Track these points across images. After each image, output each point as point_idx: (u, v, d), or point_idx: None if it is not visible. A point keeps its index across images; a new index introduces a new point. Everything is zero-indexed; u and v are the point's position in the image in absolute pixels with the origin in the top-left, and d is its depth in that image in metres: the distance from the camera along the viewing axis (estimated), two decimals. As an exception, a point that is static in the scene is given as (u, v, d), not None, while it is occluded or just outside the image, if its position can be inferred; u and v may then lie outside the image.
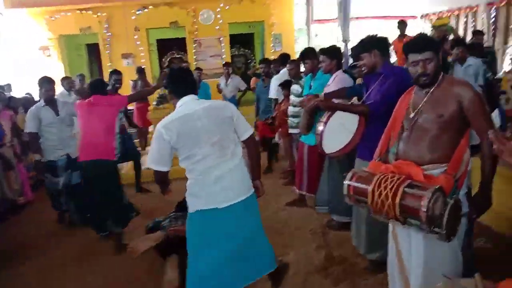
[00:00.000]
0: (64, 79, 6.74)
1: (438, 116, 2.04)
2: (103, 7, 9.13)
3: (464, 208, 2.02)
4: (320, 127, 2.96)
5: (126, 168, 5.96)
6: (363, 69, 2.94)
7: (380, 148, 2.33)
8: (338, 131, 2.99)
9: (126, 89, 8.18)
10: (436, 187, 1.81)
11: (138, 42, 9.51)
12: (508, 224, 3.30)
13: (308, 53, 4.25)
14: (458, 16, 8.60)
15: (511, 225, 3.25)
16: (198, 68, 7.82)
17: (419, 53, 2.06)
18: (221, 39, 9.78)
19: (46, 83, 4.29)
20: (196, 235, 2.43)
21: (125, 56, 9.49)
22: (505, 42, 7.01)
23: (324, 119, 2.98)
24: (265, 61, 6.51)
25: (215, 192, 2.35)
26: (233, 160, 2.42)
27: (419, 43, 2.14)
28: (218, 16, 9.62)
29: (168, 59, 10.93)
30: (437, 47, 2.12)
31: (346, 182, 2.13)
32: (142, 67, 8.07)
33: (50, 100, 4.26)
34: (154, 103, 6.77)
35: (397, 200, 1.83)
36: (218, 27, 9.69)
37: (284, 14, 9.95)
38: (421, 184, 1.89)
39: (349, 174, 2.15)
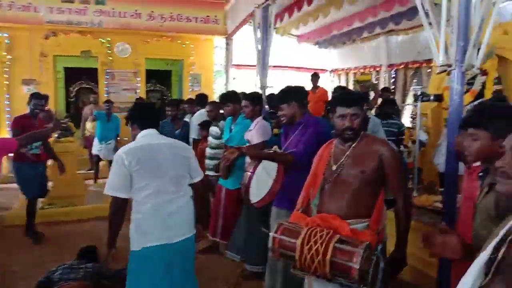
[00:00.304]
0: None
1: (361, 171, 2.09)
2: (6, 27, 8.29)
3: (382, 262, 2.03)
4: (247, 177, 2.93)
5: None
6: (282, 119, 2.98)
7: (301, 199, 2.31)
8: (263, 181, 2.96)
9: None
10: (367, 243, 1.79)
11: (43, 69, 8.71)
12: (422, 278, 3.42)
13: (230, 97, 4.22)
14: (363, 74, 9.44)
15: (425, 279, 3.36)
16: (108, 101, 7.42)
17: (348, 107, 2.10)
18: (136, 73, 9.43)
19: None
20: (141, 273, 2.38)
21: (27, 82, 8.61)
22: (403, 101, 7.79)
23: (251, 169, 2.94)
24: (172, 103, 6.39)
25: (168, 227, 2.38)
26: (185, 198, 2.51)
27: (350, 97, 2.20)
28: (135, 50, 9.31)
29: (76, 89, 10.23)
30: (363, 104, 2.21)
31: (271, 234, 2.02)
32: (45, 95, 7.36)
33: None
34: (56, 135, 6.19)
35: (328, 256, 1.77)
36: (134, 60, 9.35)
37: (204, 55, 9.99)
38: (350, 240, 1.85)
39: (276, 226, 2.05)
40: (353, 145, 2.16)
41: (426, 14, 2.90)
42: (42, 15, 8.16)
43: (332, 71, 10.94)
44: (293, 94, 2.97)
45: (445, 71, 2.87)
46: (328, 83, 10.89)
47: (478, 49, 2.70)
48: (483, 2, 2.63)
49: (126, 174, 2.31)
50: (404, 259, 2.10)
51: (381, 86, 8.29)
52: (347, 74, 10.22)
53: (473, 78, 4.19)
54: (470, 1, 2.64)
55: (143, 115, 2.61)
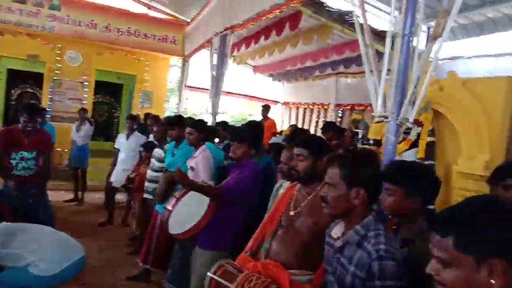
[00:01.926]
0: None
1: (314, 222, 2.00)
2: None
3: None
4: (171, 202, 2.90)
5: None
6: (231, 155, 2.99)
7: (252, 241, 2.24)
8: (189, 212, 2.89)
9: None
10: None
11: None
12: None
13: (176, 121, 4.18)
14: (312, 110, 9.78)
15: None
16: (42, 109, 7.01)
17: (296, 147, 2.12)
18: (85, 83, 9.10)
19: None
20: None
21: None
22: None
23: (178, 195, 2.91)
24: (132, 117, 6.25)
25: None
26: None
27: (302, 140, 2.19)
28: (87, 59, 9.01)
29: (18, 92, 9.66)
30: (316, 151, 2.12)
31: (209, 274, 1.98)
32: None
33: None
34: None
35: None
36: (84, 70, 9.03)
37: (158, 72, 9.87)
38: None
39: (215, 266, 2.01)
40: (312, 194, 2.07)
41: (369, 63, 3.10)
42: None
43: (284, 103, 11.24)
44: (247, 134, 3.00)
45: (382, 121, 3.05)
46: (279, 115, 11.17)
47: (414, 103, 2.90)
48: (421, 60, 2.85)
49: None
50: None
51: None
52: (297, 108, 10.53)
53: (410, 128, 4.47)
54: (409, 58, 2.84)
55: None
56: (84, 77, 9.03)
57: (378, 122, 3.12)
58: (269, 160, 3.53)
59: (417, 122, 4.47)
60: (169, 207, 2.94)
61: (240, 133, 3.02)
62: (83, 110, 7.34)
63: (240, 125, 3.70)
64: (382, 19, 5.65)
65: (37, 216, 3.63)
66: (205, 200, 2.88)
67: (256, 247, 2.20)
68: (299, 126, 9.86)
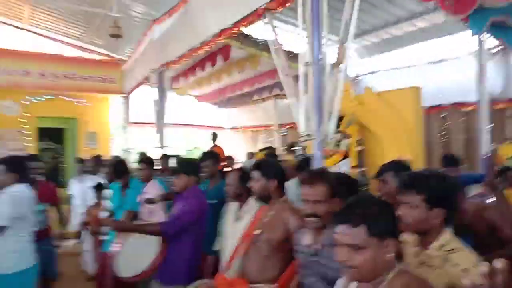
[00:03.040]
0: None
1: (267, 238, 2.20)
2: None
3: None
4: (115, 248, 2.90)
5: None
6: (173, 187, 3.08)
7: (228, 261, 2.39)
8: (137, 252, 2.87)
9: None
10: None
11: None
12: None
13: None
14: (257, 132, 10.15)
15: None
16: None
17: (252, 169, 2.40)
18: (23, 132, 8.87)
19: None
20: None
21: None
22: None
23: (118, 239, 2.93)
24: (80, 161, 6.22)
25: None
26: None
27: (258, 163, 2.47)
28: (25, 108, 8.84)
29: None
30: (268, 172, 2.39)
31: None
32: None
33: None
34: None
35: None
36: (24, 119, 8.83)
37: (99, 113, 9.84)
38: None
39: (193, 284, 2.23)
40: (269, 211, 2.29)
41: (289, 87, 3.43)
42: None
43: (231, 128, 11.53)
44: (185, 166, 3.09)
45: (308, 139, 3.36)
46: (229, 140, 11.40)
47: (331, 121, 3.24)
48: (332, 81, 3.20)
49: None
50: None
51: (276, 144, 8.99)
52: (244, 131, 10.87)
53: (340, 141, 4.88)
54: (321, 81, 3.17)
55: None
56: (24, 125, 8.82)
57: (304, 141, 3.41)
58: None
59: (346, 135, 4.91)
60: (113, 253, 2.94)
61: (175, 168, 3.16)
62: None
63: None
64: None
65: None
66: (152, 239, 2.88)
67: (230, 266, 2.38)
68: (249, 148, 10.17)
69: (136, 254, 2.86)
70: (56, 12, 7.97)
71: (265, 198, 2.39)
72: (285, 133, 9.34)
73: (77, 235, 5.86)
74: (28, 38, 9.19)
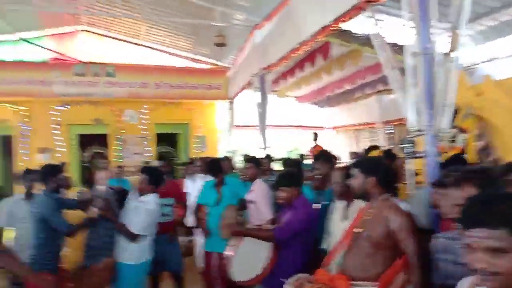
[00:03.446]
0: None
1: (368, 235, 2.18)
2: (23, 101, 8.93)
3: None
4: (229, 252, 3.03)
5: None
6: (280, 201, 3.08)
7: (327, 257, 2.43)
8: (249, 257, 2.99)
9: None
10: None
11: (57, 138, 9.24)
12: None
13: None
14: (361, 130, 9.82)
15: None
16: (119, 166, 7.75)
17: (352, 167, 2.41)
18: (145, 137, 9.93)
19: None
20: None
21: (42, 150, 9.09)
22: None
23: (233, 242, 3.07)
24: (192, 161, 6.70)
25: None
26: None
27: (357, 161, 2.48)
28: (143, 116, 9.88)
29: (89, 154, 10.67)
30: (367, 169, 2.33)
31: (286, 286, 2.25)
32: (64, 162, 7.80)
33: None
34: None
35: None
36: (143, 126, 9.89)
37: (207, 117, 10.54)
38: None
39: (293, 278, 2.26)
40: (370, 209, 2.28)
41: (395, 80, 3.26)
42: (55, 89, 8.79)
43: (332, 128, 11.36)
44: (292, 178, 3.11)
45: (418, 135, 3.16)
46: (331, 140, 11.25)
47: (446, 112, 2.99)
48: (444, 71, 2.96)
49: None
50: None
51: (380, 142, 8.62)
52: (346, 131, 10.61)
53: (455, 136, 4.47)
54: (431, 72, 2.96)
55: None
56: (143, 132, 9.88)
57: (414, 137, 3.21)
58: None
59: (462, 129, 4.48)
60: (228, 257, 3.07)
61: (284, 179, 3.11)
62: (147, 163, 7.94)
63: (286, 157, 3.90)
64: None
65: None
66: (265, 245, 2.98)
67: (330, 262, 2.40)
68: (352, 148, 9.91)
69: (249, 258, 2.98)
70: (167, 27, 8.74)
71: (364, 196, 2.36)
72: (391, 131, 8.89)
73: (190, 232, 6.32)
74: (145, 53, 10.24)
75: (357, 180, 2.35)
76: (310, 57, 5.78)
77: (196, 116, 10.34)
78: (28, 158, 8.91)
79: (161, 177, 3.76)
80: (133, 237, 3.42)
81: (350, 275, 2.15)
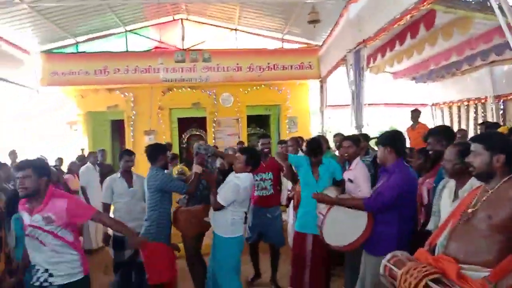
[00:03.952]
0: (90, 154, 7.08)
1: (488, 216, 1.97)
2: (131, 87, 9.81)
3: None
4: (320, 217, 3.17)
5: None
6: (378, 160, 3.15)
7: (432, 238, 2.29)
8: (341, 223, 3.14)
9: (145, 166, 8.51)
10: None
11: (160, 121, 10.03)
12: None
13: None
14: (467, 106, 8.95)
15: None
16: (215, 146, 8.13)
17: (473, 142, 2.13)
18: (238, 119, 10.29)
19: (126, 154, 4.50)
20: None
21: (148, 132, 9.96)
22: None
23: (324, 211, 3.18)
24: (282, 142, 6.78)
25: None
26: None
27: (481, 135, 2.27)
28: (237, 99, 10.23)
29: (187, 136, 11.41)
30: (494, 145, 2.06)
31: (384, 262, 2.16)
32: (169, 143, 8.52)
33: (126, 172, 4.41)
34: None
35: None
36: (236, 108, 10.26)
37: (299, 99, 10.54)
38: (449, 283, 1.81)
39: (390, 255, 2.18)
40: (493, 189, 2.04)
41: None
42: (161, 75, 9.50)
43: (433, 105, 10.54)
44: (391, 139, 3.09)
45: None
46: (429, 118, 10.49)
47: None
48: None
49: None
50: None
51: (489, 119, 7.81)
52: (450, 107, 9.77)
53: None
54: None
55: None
56: (237, 114, 10.26)
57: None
58: None
59: None
60: (319, 223, 3.23)
61: (383, 138, 3.13)
62: (240, 143, 8.24)
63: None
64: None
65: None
66: (360, 212, 3.09)
67: (434, 243, 2.22)
68: (455, 126, 9.12)
69: (344, 224, 3.12)
70: (259, 8, 8.82)
71: (487, 176, 2.07)
72: (503, 106, 7.97)
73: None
74: (238, 37, 10.51)
75: (481, 157, 2.06)
76: (412, 28, 5.37)
77: (288, 97, 10.38)
78: (133, 140, 9.84)
79: (258, 158, 3.92)
80: (216, 205, 3.67)
81: (456, 258, 1.96)
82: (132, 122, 10.01)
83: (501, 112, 7.80)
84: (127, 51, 10.04)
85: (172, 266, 3.92)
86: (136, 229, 4.17)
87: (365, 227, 3.09)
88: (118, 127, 10.81)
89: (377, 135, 3.32)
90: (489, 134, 2.49)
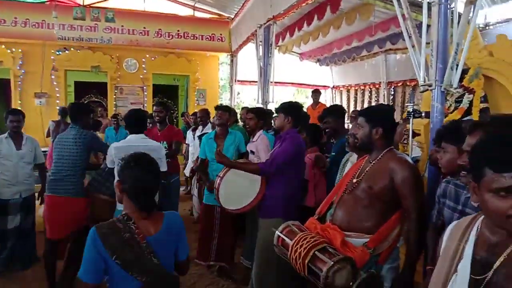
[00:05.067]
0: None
1: (368, 187, 2.11)
2: (19, 43, 8.67)
3: (388, 283, 2.09)
4: (217, 181, 3.26)
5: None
6: (275, 126, 3.34)
7: (321, 207, 2.39)
8: (238, 188, 3.24)
9: (35, 130, 7.72)
10: (342, 257, 1.85)
11: (54, 83, 9.08)
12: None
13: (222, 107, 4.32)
14: (363, 90, 9.68)
15: None
16: (114, 115, 7.65)
17: (359, 115, 2.31)
18: (144, 88, 9.78)
19: (11, 114, 4.14)
20: None
21: (39, 95, 8.96)
22: (402, 117, 7.98)
23: (221, 173, 3.26)
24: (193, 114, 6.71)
25: None
26: None
27: (365, 110, 2.41)
28: (143, 65, 9.67)
29: (86, 102, 10.57)
30: (373, 119, 2.23)
31: (277, 232, 2.19)
32: (66, 108, 7.76)
33: (14, 133, 4.10)
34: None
35: (306, 261, 1.90)
36: (142, 76, 9.70)
37: (209, 71, 10.32)
38: (333, 251, 1.92)
39: (283, 226, 2.21)
40: (374, 161, 2.20)
41: (410, 37, 3.16)
42: (55, 31, 8.52)
43: (333, 87, 11.20)
44: (291, 108, 3.24)
45: (426, 90, 3.11)
46: (330, 99, 11.16)
47: (457, 69, 2.93)
48: (459, 28, 2.87)
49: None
50: (409, 283, 2.03)
51: (380, 103, 8.54)
52: (348, 90, 10.47)
53: (461, 96, 4.40)
54: (447, 27, 2.88)
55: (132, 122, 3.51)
56: (142, 82, 9.71)
57: (423, 91, 3.17)
58: None
59: (469, 90, 4.40)
60: (216, 186, 3.30)
61: (284, 106, 3.26)
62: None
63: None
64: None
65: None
66: (255, 176, 3.21)
67: (323, 213, 2.36)
68: (351, 107, 9.83)
69: (237, 188, 3.24)
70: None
71: (368, 147, 2.26)
72: (393, 92, 8.77)
73: (187, 182, 6.39)
74: (147, -1, 9.86)
75: (363, 129, 2.24)
76: (319, 9, 5.56)
77: (197, 68, 10.13)
78: (20, 102, 8.80)
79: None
80: None
81: (341, 227, 2.10)
82: (20, 82, 8.89)
83: (391, 97, 8.58)
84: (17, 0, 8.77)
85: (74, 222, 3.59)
86: (22, 194, 4.10)
87: (258, 191, 3.23)
88: (3, 87, 9.56)
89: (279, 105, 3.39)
90: (372, 109, 2.73)
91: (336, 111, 3.61)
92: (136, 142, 3.41)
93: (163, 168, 3.30)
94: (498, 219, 1.08)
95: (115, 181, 1.86)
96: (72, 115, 3.78)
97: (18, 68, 8.79)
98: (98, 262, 1.60)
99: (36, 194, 4.36)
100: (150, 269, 1.64)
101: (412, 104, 4.57)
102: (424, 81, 3.00)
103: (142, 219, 1.71)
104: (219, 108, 4.18)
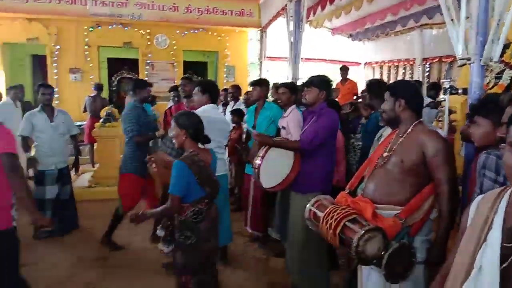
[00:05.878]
0: (11, 88, 6.45)
1: (401, 160, 2.11)
2: (54, 19, 8.87)
3: (421, 254, 2.07)
4: (257, 161, 3.17)
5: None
6: (304, 100, 3.23)
7: (352, 181, 2.41)
8: (275, 166, 3.18)
9: (71, 105, 8.00)
10: (372, 227, 1.86)
11: (88, 59, 9.29)
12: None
13: (258, 81, 4.39)
14: (397, 67, 9.38)
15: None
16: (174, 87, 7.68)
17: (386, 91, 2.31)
18: (174, 64, 9.86)
19: (43, 87, 4.30)
20: None
21: (73, 71, 9.21)
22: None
23: (261, 153, 3.18)
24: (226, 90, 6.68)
25: None
26: None
27: (389, 84, 2.39)
28: (173, 42, 9.72)
29: (118, 78, 10.77)
30: (395, 92, 2.25)
31: (308, 206, 2.22)
32: (101, 84, 8.01)
33: (46, 106, 4.27)
34: (102, 120, 6.61)
35: (337, 231, 1.91)
36: (172, 52, 9.77)
37: (238, 47, 10.27)
38: (364, 221, 1.93)
39: (313, 200, 2.24)
40: (404, 135, 2.20)
41: (448, 10, 3.02)
42: (88, 7, 8.65)
43: (366, 63, 10.91)
44: (323, 83, 3.19)
45: (464, 64, 2.98)
46: (362, 76, 10.89)
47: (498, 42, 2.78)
48: (501, 2, 2.70)
49: None
50: (440, 256, 2.04)
51: (415, 79, 8.27)
52: (381, 67, 10.18)
53: (501, 72, 4.21)
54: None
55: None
56: (173, 58, 9.79)
57: (461, 65, 3.05)
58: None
59: (509, 65, 4.20)
60: (256, 166, 3.22)
61: (315, 80, 3.19)
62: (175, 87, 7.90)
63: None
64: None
65: None
66: (289, 153, 3.18)
67: (354, 187, 2.37)
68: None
69: (275, 167, 3.18)
70: None
71: (394, 120, 2.26)
72: (428, 69, 8.46)
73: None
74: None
75: (388, 103, 2.26)
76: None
77: (226, 44, 10.08)
78: (56, 78, 9.08)
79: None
80: None
81: (372, 199, 2.11)
82: (55, 58, 9.15)
83: (426, 74, 8.29)
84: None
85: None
86: (58, 165, 4.26)
87: (292, 166, 3.20)
88: (40, 63, 9.86)
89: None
90: (396, 83, 2.69)
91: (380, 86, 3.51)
92: (213, 113, 3.54)
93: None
94: (509, 171, 1.08)
95: (177, 132, 2.57)
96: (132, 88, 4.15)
97: (53, 44, 9.03)
98: (185, 180, 2.42)
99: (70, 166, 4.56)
100: (212, 184, 2.57)
101: (449, 80, 4.42)
102: (463, 55, 2.88)
103: (202, 153, 2.58)
104: (252, 84, 4.35)
